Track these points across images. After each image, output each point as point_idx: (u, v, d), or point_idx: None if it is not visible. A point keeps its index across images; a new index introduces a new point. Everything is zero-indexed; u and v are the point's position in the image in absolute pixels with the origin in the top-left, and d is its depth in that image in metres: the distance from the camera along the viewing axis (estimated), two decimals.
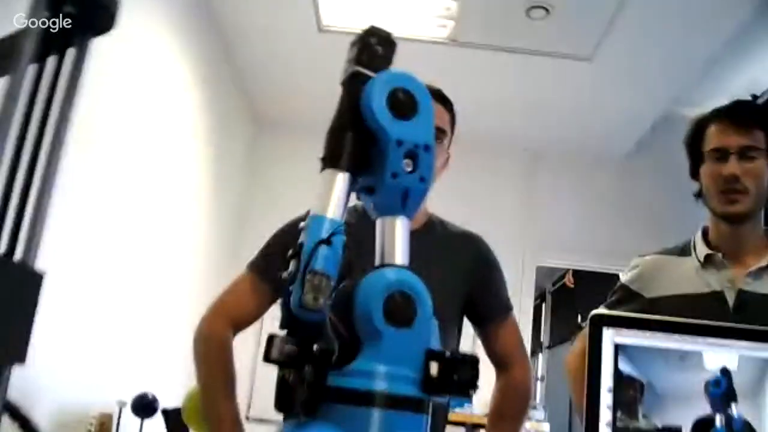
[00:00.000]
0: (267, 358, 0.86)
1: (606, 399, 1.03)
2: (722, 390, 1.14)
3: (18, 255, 0.61)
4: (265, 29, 3.99)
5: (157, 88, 3.16)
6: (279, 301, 0.86)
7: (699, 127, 1.80)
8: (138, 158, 2.95)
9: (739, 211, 1.71)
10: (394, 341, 0.84)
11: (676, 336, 1.12)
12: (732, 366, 1.15)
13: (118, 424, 2.30)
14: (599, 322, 1.08)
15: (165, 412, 2.62)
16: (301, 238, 0.86)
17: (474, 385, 0.85)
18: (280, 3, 3.75)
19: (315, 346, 0.79)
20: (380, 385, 0.82)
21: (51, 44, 0.66)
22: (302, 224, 0.87)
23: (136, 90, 2.89)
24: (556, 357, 7.71)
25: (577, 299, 7.17)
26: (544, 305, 8.04)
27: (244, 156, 4.87)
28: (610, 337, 1.07)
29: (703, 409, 1.14)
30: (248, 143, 4.92)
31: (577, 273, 6.67)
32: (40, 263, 0.61)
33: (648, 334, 1.10)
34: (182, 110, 3.54)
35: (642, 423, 1.09)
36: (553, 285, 7.78)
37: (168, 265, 3.39)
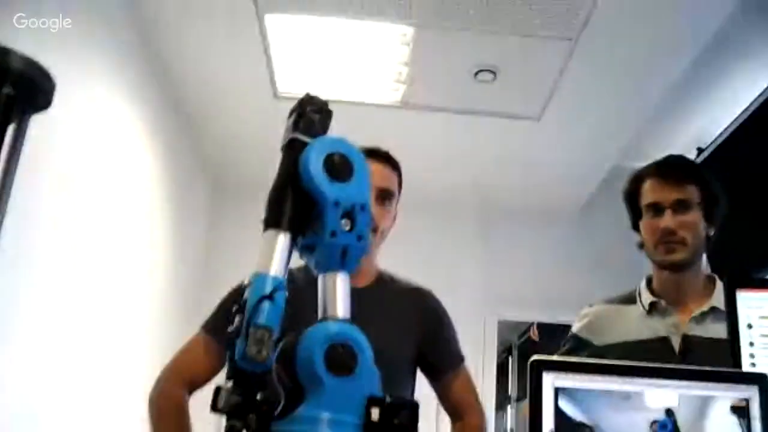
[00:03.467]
0: (214, 407, 0.89)
1: None
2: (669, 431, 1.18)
3: None
4: (224, 96, 4.07)
5: (115, 154, 3.19)
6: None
7: (635, 183, 1.89)
8: (96, 226, 2.97)
9: (678, 259, 1.79)
10: (336, 389, 0.89)
11: (614, 378, 1.17)
12: (673, 404, 1.20)
13: None
14: (539, 367, 1.14)
15: None
16: (246, 295, 0.91)
17: (414, 429, 0.90)
18: (237, 73, 3.84)
19: (259, 396, 0.83)
20: (323, 431, 0.86)
21: None
22: (245, 281, 0.92)
23: (92, 158, 2.93)
24: (524, 410, 7.69)
25: (543, 352, 7.17)
26: (510, 358, 8.06)
27: (204, 220, 4.90)
28: (550, 381, 1.12)
29: None
30: (207, 208, 4.96)
31: (541, 326, 6.71)
32: None
33: (587, 377, 1.16)
34: (140, 177, 3.58)
35: None
36: (519, 338, 7.82)
37: (126, 329, 3.38)
